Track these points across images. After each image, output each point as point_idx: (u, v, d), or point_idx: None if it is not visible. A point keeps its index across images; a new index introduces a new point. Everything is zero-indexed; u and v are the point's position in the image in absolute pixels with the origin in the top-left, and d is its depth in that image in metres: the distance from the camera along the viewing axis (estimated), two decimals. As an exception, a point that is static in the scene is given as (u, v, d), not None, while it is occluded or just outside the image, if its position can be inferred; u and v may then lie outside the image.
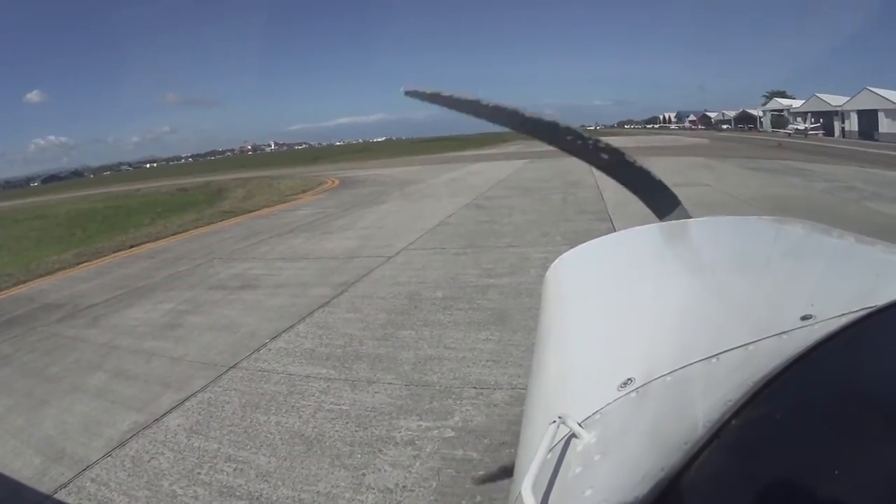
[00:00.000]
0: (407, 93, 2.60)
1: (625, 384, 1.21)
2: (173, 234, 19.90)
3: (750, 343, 1.17)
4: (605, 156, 2.39)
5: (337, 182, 38.17)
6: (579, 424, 1.13)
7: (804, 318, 1.19)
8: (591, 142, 2.37)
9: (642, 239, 2.36)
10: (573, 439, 1.12)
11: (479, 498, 4.07)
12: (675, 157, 36.43)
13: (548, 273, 2.22)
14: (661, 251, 2.24)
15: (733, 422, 0.98)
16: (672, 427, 1.02)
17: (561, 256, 2.28)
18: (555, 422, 1.14)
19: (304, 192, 33.00)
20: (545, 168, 33.13)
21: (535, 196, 20.89)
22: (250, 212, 24.90)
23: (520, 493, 0.95)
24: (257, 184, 43.97)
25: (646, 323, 1.58)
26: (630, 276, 2.04)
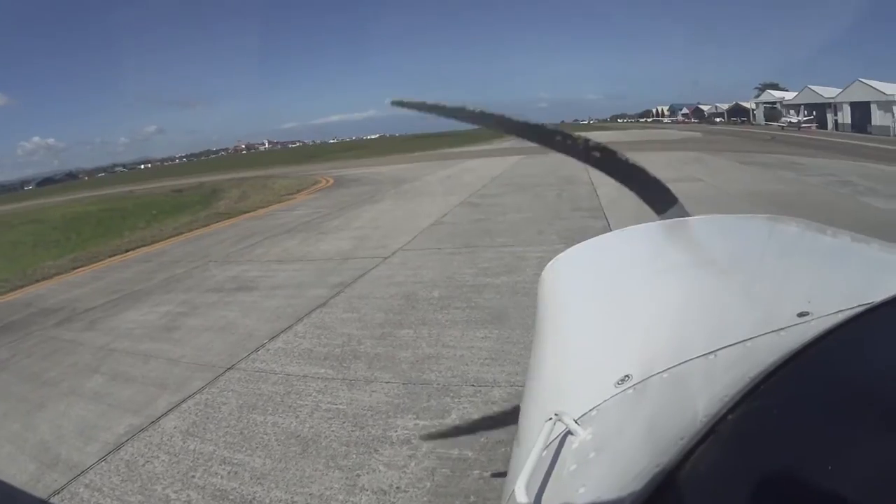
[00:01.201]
0: (394, 103, 2.63)
1: (622, 381, 1.22)
2: (169, 237, 19.82)
3: (747, 339, 1.18)
4: (596, 154, 2.40)
5: (331, 181, 38.12)
6: (576, 421, 1.13)
7: (801, 314, 1.21)
8: (581, 141, 2.39)
9: (638, 238, 2.39)
10: (569, 436, 1.12)
11: (472, 498, 4.07)
12: (668, 152, 36.44)
13: (544, 272, 2.24)
14: (657, 249, 2.25)
15: (730, 417, 0.98)
16: (669, 423, 1.02)
17: (557, 256, 2.30)
18: (551, 419, 1.14)
19: (298, 191, 32.96)
20: (539, 164, 33.08)
21: (529, 193, 20.86)
22: (245, 213, 24.85)
23: (513, 490, 0.96)
24: (252, 184, 43.89)
25: (642, 320, 1.59)
26: (626, 275, 2.07)
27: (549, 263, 2.28)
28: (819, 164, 25.84)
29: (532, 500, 0.95)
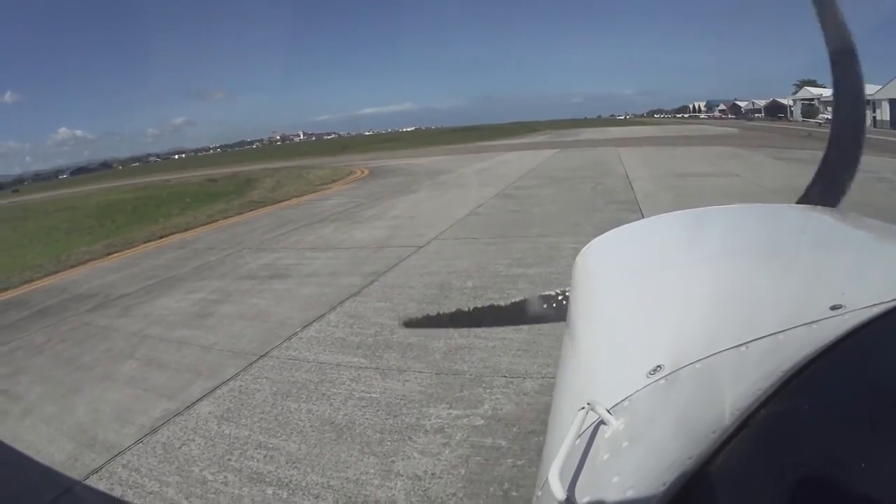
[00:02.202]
0: (406, 324, 2.73)
1: (654, 371, 1.21)
2: (203, 225, 20.09)
3: (779, 332, 1.16)
4: None
5: (367, 172, 38.36)
6: (608, 411, 1.14)
7: (834, 307, 1.18)
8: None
9: (671, 225, 2.39)
10: (602, 426, 1.12)
11: (506, 485, 4.07)
12: (705, 147, 36.35)
13: (577, 259, 2.25)
14: (690, 238, 2.24)
15: (762, 411, 0.98)
16: (700, 415, 1.02)
17: (590, 242, 2.31)
18: (584, 408, 1.15)
19: (333, 181, 33.21)
20: (574, 157, 33.11)
21: (564, 185, 20.83)
22: (280, 202, 25.04)
23: (547, 478, 0.97)
24: (287, 174, 44.29)
25: (675, 310, 1.58)
26: (659, 263, 2.05)
27: (583, 250, 2.28)
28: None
29: (566, 488, 0.96)
